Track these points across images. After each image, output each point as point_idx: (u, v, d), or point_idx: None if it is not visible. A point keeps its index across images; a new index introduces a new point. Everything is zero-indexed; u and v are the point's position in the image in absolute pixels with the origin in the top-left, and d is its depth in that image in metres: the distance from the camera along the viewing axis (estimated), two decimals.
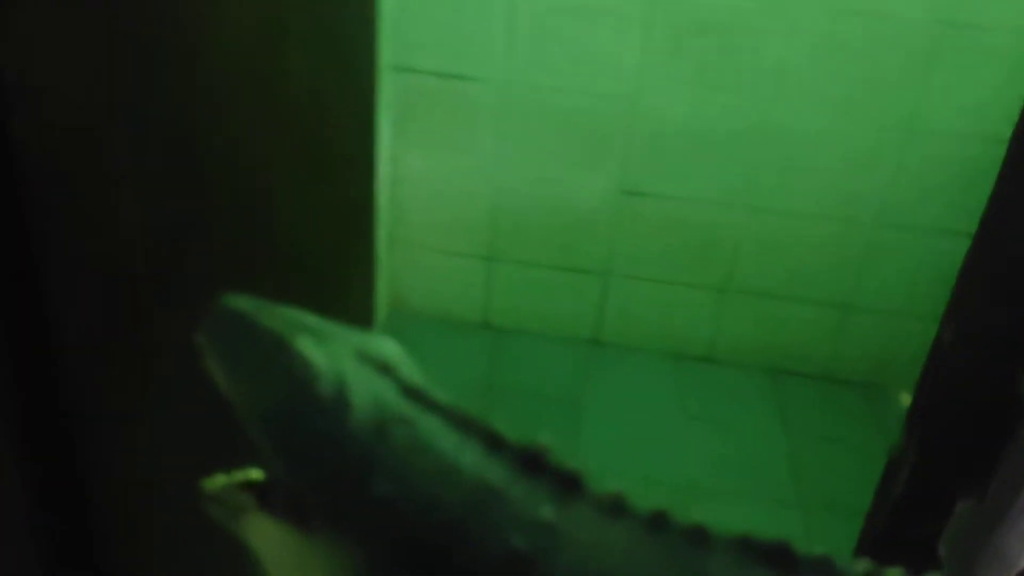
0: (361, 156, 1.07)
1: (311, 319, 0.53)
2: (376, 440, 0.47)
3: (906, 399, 2.30)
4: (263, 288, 1.03)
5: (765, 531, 1.68)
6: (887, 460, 0.85)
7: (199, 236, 0.85)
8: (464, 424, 0.49)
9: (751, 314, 2.29)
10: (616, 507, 0.48)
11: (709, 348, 2.35)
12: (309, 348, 0.49)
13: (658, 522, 0.47)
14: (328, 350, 0.49)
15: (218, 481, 0.55)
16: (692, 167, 2.11)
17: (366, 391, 0.48)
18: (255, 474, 0.55)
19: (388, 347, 0.54)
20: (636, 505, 0.46)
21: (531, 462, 0.47)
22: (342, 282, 1.19)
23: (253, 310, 0.53)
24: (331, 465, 0.46)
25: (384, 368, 0.51)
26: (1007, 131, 0.76)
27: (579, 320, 2.35)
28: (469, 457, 0.47)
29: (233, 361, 0.51)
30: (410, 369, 0.54)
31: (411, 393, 0.50)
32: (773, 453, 2.10)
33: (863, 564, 0.42)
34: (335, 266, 1.14)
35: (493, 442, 0.48)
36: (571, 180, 2.15)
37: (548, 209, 2.19)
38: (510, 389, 2.20)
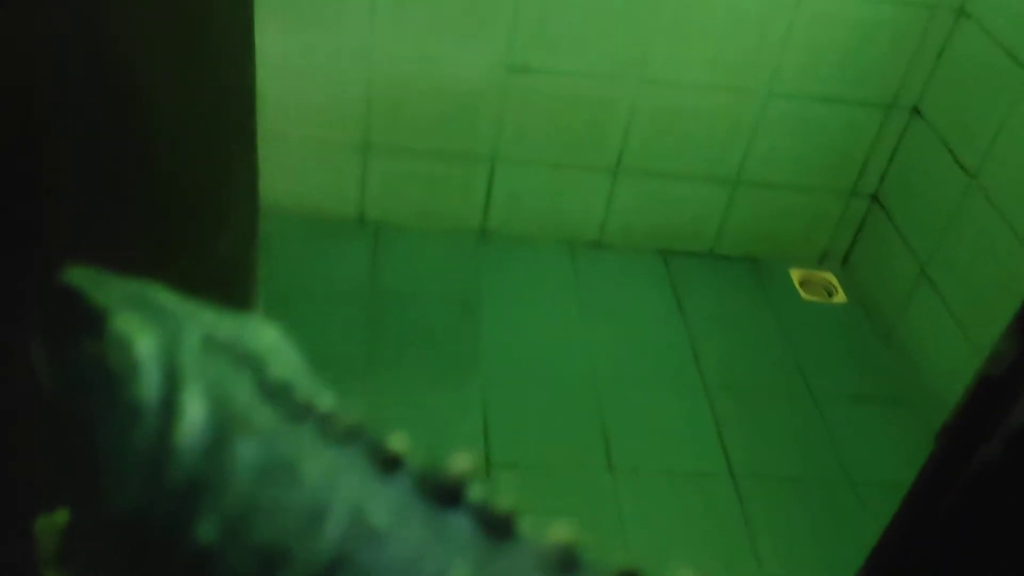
0: (239, 40, 0.87)
1: (163, 296, 0.36)
2: (209, 464, 0.31)
3: (795, 274, 2.32)
4: (131, 198, 0.81)
5: (670, 418, 1.59)
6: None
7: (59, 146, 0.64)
8: (348, 438, 0.31)
9: (642, 195, 2.20)
10: (566, 564, 0.27)
11: (600, 232, 2.26)
12: (131, 329, 0.33)
13: None
14: (165, 333, 0.33)
15: (45, 521, 0.38)
16: (582, 39, 1.95)
17: (208, 393, 0.32)
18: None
19: (263, 333, 0.36)
20: (588, 560, 0.26)
21: (444, 495, 0.30)
22: (224, 184, 0.99)
23: (89, 282, 0.32)
24: (137, 499, 0.31)
25: (245, 360, 0.34)
26: None
27: (465, 211, 2.19)
28: (349, 488, 0.30)
29: (52, 347, 0.36)
30: (290, 362, 0.36)
31: (276, 395, 0.33)
32: (671, 336, 2.06)
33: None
34: (216, 170, 0.94)
35: (388, 464, 0.31)
36: (452, 57, 1.94)
37: (428, 91, 1.98)
38: (395, 293, 2.03)
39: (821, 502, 1.72)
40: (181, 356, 0.32)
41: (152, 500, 0.30)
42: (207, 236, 1.00)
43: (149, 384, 0.31)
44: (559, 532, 0.27)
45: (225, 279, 1.18)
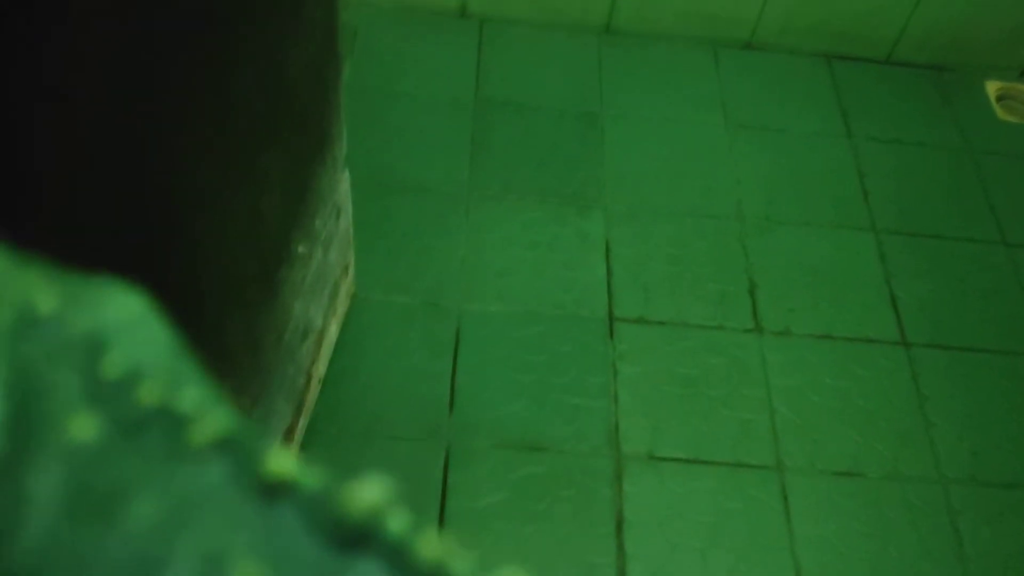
0: None
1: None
2: None
3: (991, 87, 1.87)
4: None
5: (830, 266, 1.28)
6: None
7: None
8: (213, 453, 0.19)
9: None
10: None
11: (752, 31, 1.84)
12: None
13: None
14: None
15: None
16: None
17: (6, 389, 0.20)
18: None
19: (114, 304, 0.22)
20: None
21: (347, 536, 0.19)
22: None
23: None
24: None
25: (75, 345, 0.21)
26: None
27: (587, 3, 1.80)
28: (204, 529, 0.18)
29: None
30: (150, 345, 0.21)
31: (110, 394, 0.20)
32: (835, 162, 1.70)
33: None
34: None
35: (269, 492, 0.19)
36: None
37: None
38: (503, 103, 1.71)
39: (1011, 378, 1.42)
40: None
41: None
42: (276, 34, 0.73)
43: None
44: None
45: (300, 86, 0.92)
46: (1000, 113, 1.84)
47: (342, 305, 1.33)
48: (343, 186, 1.20)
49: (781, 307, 1.47)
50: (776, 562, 1.17)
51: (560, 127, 1.70)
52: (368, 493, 0.19)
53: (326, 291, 1.20)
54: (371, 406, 1.27)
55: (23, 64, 0.41)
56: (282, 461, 0.20)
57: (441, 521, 1.17)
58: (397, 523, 0.19)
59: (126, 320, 0.22)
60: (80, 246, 0.51)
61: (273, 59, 0.83)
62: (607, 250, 1.51)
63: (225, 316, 0.81)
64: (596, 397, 1.32)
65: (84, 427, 0.20)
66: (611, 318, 1.42)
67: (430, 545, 0.19)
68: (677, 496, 1.23)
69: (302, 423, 1.20)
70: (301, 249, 1.04)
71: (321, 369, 1.25)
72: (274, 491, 0.19)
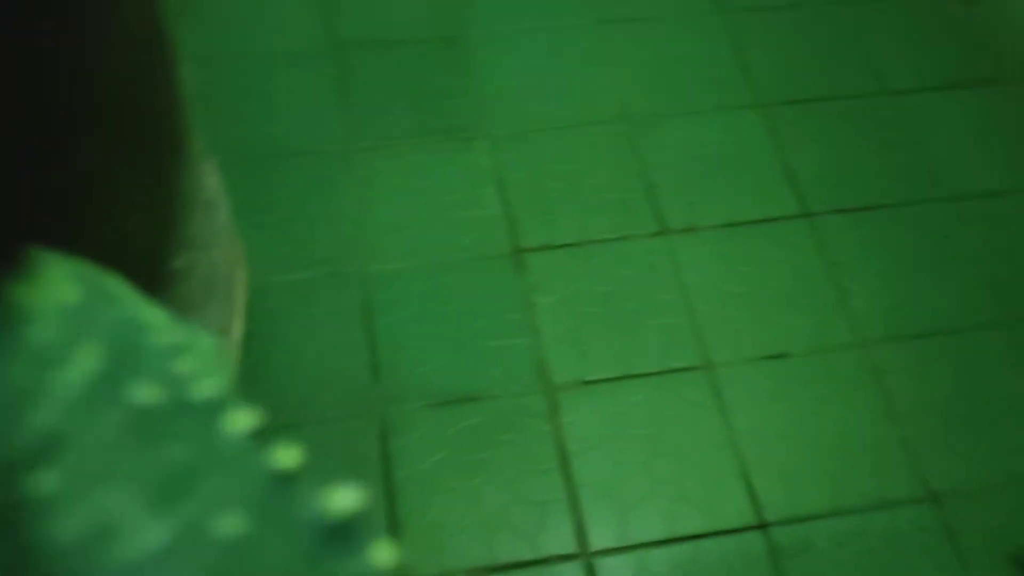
0: None
1: (114, 282, 0.32)
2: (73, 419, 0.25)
3: None
4: None
5: (722, 150, 1.27)
6: None
7: None
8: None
9: None
10: None
11: None
12: (55, 276, 0.30)
13: None
14: (92, 298, 0.30)
15: None
16: None
17: (106, 352, 0.27)
18: None
19: (198, 340, 0.29)
20: None
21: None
22: None
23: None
24: None
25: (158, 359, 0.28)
26: None
27: None
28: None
29: None
30: (214, 381, 0.28)
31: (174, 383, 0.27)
32: (711, 40, 1.67)
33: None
34: None
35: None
36: None
37: None
38: (360, 44, 1.62)
39: (913, 227, 1.45)
40: (95, 322, 0.28)
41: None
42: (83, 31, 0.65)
43: (47, 327, 0.27)
44: None
45: (123, 90, 0.83)
46: None
47: (240, 299, 1.27)
48: (210, 179, 1.12)
49: (682, 203, 1.46)
50: (719, 459, 1.19)
51: (425, 58, 1.62)
52: (344, 499, 0.23)
53: (219, 294, 1.14)
54: (293, 394, 1.22)
55: None
56: (288, 455, 0.25)
57: (389, 492, 1.15)
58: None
59: (201, 354, 0.28)
60: None
61: (85, 62, 0.75)
62: (499, 180, 1.46)
63: None
64: (517, 335, 1.30)
65: (149, 394, 0.26)
66: (516, 251, 1.39)
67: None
68: (614, 416, 1.23)
69: None
70: (179, 263, 0.97)
71: (232, 373, 1.20)
72: (280, 476, 0.24)
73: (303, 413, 1.20)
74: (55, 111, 0.69)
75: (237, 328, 1.25)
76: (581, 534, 1.13)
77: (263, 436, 1.18)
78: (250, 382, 1.22)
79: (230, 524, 0.23)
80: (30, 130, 0.70)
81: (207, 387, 0.27)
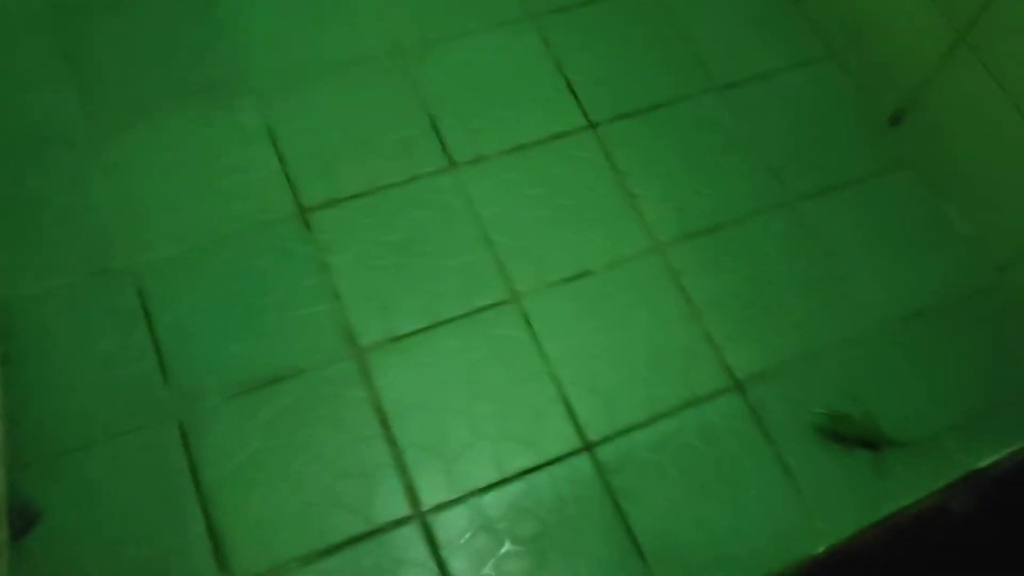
0: None
1: None
2: None
3: None
4: None
5: (499, 70, 1.21)
6: None
7: None
8: None
9: None
10: None
11: None
12: None
13: None
14: None
15: None
16: None
17: None
18: None
19: None
20: None
21: None
22: None
23: None
24: None
25: None
26: None
27: None
28: None
29: None
30: None
31: None
32: None
33: None
34: None
35: None
36: None
37: None
38: (84, 2, 1.44)
39: (692, 121, 1.47)
40: None
41: None
42: None
43: None
44: None
45: None
46: None
47: None
48: None
49: (467, 133, 1.41)
50: (538, 390, 1.20)
51: (168, 11, 1.46)
52: None
53: None
54: (75, 413, 1.12)
55: None
56: None
57: (202, 499, 1.08)
58: None
59: None
60: None
61: None
62: (270, 137, 1.36)
63: None
64: (315, 302, 1.23)
65: None
66: (301, 211, 1.30)
67: None
68: (428, 367, 1.20)
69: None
70: None
71: None
72: None
73: (90, 432, 1.10)
74: None
75: None
76: (413, 495, 1.11)
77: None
78: (20, 419, 1.11)
79: None
80: None
81: None
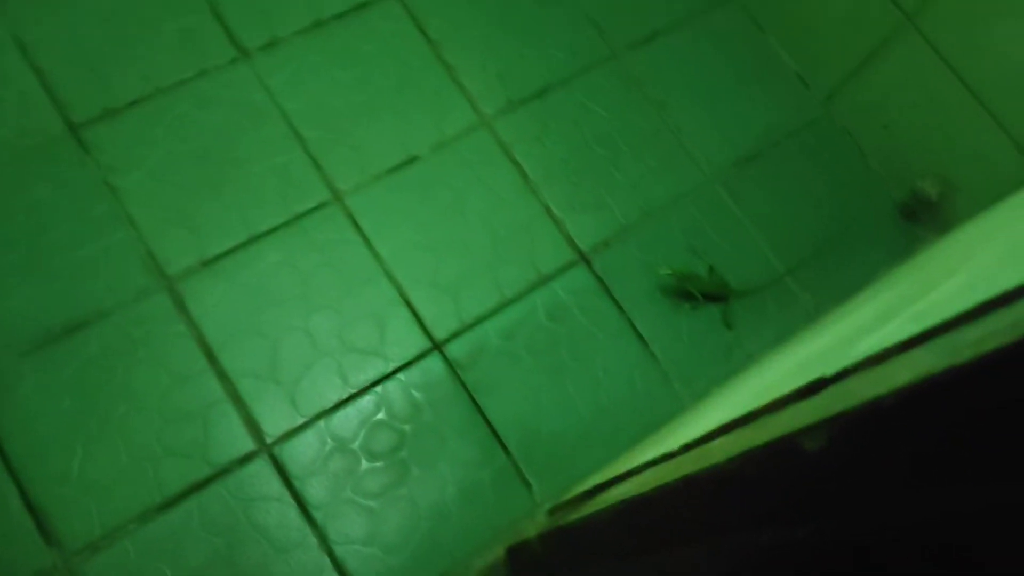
0: None
1: None
2: None
3: None
4: None
5: None
6: None
7: None
8: None
9: None
10: None
11: None
12: None
13: None
14: None
15: None
16: None
17: None
18: None
19: None
20: None
21: None
22: None
23: None
24: None
25: None
26: None
27: None
28: None
29: None
30: None
31: None
32: None
33: None
34: None
35: None
36: None
37: None
38: None
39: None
40: None
41: None
42: None
43: None
44: None
45: None
46: None
47: None
48: None
49: (254, 13, 1.24)
50: (377, 295, 1.12)
51: None
52: None
53: None
54: None
55: None
56: None
57: (13, 473, 0.96)
58: None
59: None
60: None
61: None
62: (19, 44, 1.15)
63: None
64: (108, 231, 1.08)
65: None
66: (72, 128, 1.12)
67: None
68: (251, 287, 1.09)
69: None
70: None
71: None
72: None
73: None
74: None
75: None
76: (255, 428, 1.03)
77: None
78: None
79: None
80: None
81: None
